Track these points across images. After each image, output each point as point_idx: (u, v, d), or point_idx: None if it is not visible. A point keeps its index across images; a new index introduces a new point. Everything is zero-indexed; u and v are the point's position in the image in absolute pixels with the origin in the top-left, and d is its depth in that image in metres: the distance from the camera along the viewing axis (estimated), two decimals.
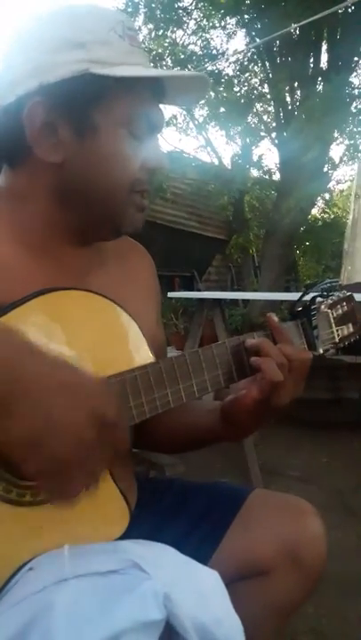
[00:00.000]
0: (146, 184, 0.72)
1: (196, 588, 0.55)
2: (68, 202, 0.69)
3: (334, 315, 0.81)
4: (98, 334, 0.65)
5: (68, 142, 0.66)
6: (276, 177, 7.82)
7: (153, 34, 7.49)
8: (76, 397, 0.50)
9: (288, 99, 6.76)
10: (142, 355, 0.69)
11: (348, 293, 0.85)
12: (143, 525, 0.69)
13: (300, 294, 0.85)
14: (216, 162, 8.23)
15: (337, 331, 0.81)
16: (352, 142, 7.52)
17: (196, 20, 7.81)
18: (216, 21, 7.71)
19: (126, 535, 0.65)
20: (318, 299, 0.82)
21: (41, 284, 0.63)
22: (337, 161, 7.52)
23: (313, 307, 0.80)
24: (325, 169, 6.92)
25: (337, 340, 0.83)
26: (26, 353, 0.49)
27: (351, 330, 0.84)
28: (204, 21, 7.80)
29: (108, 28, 0.65)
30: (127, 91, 0.66)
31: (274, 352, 0.71)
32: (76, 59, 0.63)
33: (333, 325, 0.81)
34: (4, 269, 0.66)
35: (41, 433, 0.48)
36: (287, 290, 8.07)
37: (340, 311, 0.82)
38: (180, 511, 0.83)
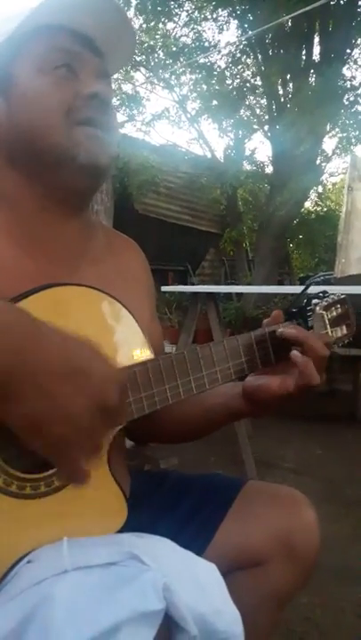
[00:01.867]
0: (84, 111, 0.69)
1: (194, 579, 0.56)
2: (21, 162, 0.70)
3: (329, 316, 0.83)
4: (96, 329, 0.66)
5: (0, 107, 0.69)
6: (269, 170, 7.82)
7: (145, 26, 7.44)
8: (80, 384, 0.51)
9: (280, 91, 6.76)
10: (141, 351, 0.69)
11: (343, 296, 0.87)
12: (139, 518, 0.69)
13: (293, 287, 0.86)
14: (209, 155, 8.21)
15: (332, 332, 0.83)
16: (345, 135, 7.54)
17: (187, 11, 7.78)
18: (208, 13, 7.68)
19: (122, 527, 0.65)
20: (314, 300, 0.83)
21: (36, 280, 0.63)
22: (330, 153, 7.55)
23: (309, 308, 0.82)
24: (318, 162, 6.94)
25: (332, 340, 0.85)
26: (33, 335, 0.50)
27: (345, 331, 0.86)
28: (196, 13, 7.76)
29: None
30: (32, 36, 0.69)
31: (319, 345, 0.73)
32: None
33: (328, 327, 0.83)
34: (4, 268, 0.67)
35: (44, 417, 0.49)
36: (281, 283, 8.09)
37: (334, 313, 0.84)
38: (174, 503, 0.83)
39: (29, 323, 0.51)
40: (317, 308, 0.82)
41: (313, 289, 0.89)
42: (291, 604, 0.85)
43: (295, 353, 0.73)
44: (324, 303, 0.83)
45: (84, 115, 0.68)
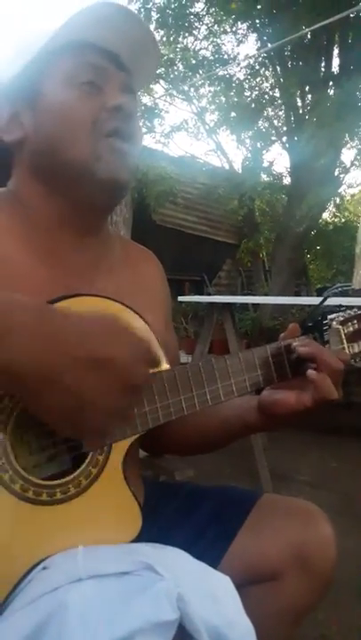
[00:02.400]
0: (109, 123, 0.70)
1: (208, 591, 0.56)
2: (44, 174, 0.72)
3: (345, 331, 0.82)
4: None
5: (26, 119, 0.72)
6: (287, 181, 7.81)
7: (165, 39, 7.52)
8: (103, 373, 0.53)
9: (299, 103, 6.76)
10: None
11: (360, 312, 0.86)
12: (153, 528, 0.69)
13: (310, 298, 0.85)
14: (227, 166, 8.23)
15: (348, 347, 0.82)
16: None
17: (207, 25, 7.83)
18: (227, 26, 7.73)
19: (136, 538, 0.65)
20: (330, 315, 0.83)
21: (53, 290, 0.64)
22: (348, 165, 7.50)
23: (325, 322, 0.82)
24: (336, 173, 6.91)
25: (348, 357, 0.84)
26: (52, 333, 0.51)
27: None
28: (216, 27, 7.82)
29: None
30: (59, 53, 0.71)
31: (333, 360, 0.73)
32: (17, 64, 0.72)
33: (345, 342, 0.82)
34: (17, 275, 0.68)
35: (73, 410, 0.52)
36: (298, 294, 8.05)
37: (351, 328, 0.83)
38: (189, 515, 0.83)
39: (47, 319, 0.52)
40: (334, 323, 0.82)
41: (330, 300, 0.88)
42: (307, 619, 0.84)
43: (311, 372, 0.72)
44: (341, 318, 0.83)
45: (109, 126, 0.70)
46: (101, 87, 0.72)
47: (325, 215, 9.24)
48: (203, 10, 7.56)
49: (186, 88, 8.03)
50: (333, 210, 10.21)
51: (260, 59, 7.32)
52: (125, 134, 0.71)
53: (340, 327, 0.82)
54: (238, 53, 8.16)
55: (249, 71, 7.73)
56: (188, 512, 0.84)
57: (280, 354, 0.76)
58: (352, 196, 11.21)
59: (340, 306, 0.85)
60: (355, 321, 0.84)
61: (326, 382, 0.71)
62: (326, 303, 0.87)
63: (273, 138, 8.00)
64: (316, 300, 2.89)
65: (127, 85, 0.75)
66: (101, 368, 0.52)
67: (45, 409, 0.52)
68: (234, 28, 7.69)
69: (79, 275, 0.73)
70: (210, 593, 0.55)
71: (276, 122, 8.23)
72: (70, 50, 0.72)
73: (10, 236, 0.70)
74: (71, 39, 0.71)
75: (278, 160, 16.27)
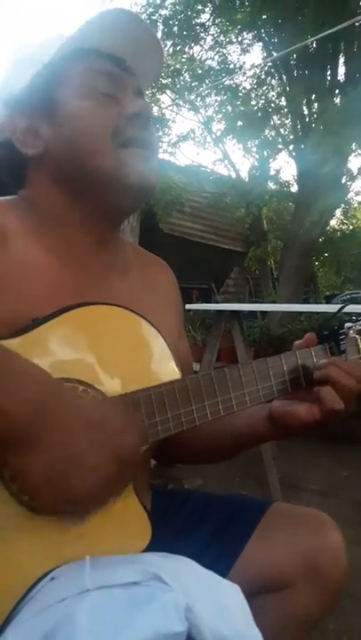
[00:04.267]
0: (129, 131, 0.71)
1: (217, 600, 0.55)
2: (67, 183, 0.72)
3: None
4: (126, 349, 0.67)
5: (44, 130, 0.71)
6: (294, 189, 7.81)
7: (171, 50, 7.59)
8: (99, 438, 0.51)
9: (305, 111, 6.77)
10: (169, 370, 0.70)
11: None
12: (162, 537, 0.69)
13: (318, 305, 0.85)
14: (233, 175, 8.26)
15: None
16: None
17: (213, 35, 7.90)
18: (233, 36, 7.79)
19: (146, 547, 0.65)
20: (347, 324, 0.82)
21: (71, 292, 0.64)
22: (355, 172, 7.49)
23: (341, 331, 0.81)
24: (343, 180, 6.90)
25: None
26: (53, 389, 0.51)
27: None
28: (222, 37, 7.89)
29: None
30: (72, 62, 0.71)
31: (350, 383, 0.72)
32: (29, 72, 0.71)
33: None
34: (36, 278, 0.68)
35: (61, 470, 0.49)
36: (306, 301, 8.01)
37: None
38: (198, 523, 0.82)
39: (48, 378, 0.52)
40: (351, 332, 0.81)
41: (347, 308, 0.87)
42: (317, 630, 0.83)
43: (318, 388, 0.72)
44: (358, 327, 0.82)
45: (129, 134, 0.71)
46: (117, 95, 0.73)
47: (333, 222, 9.22)
48: (208, 20, 7.63)
49: (192, 98, 8.09)
50: (341, 217, 10.20)
51: (266, 68, 7.37)
52: (146, 139, 0.72)
53: (358, 336, 0.81)
54: (244, 63, 8.22)
55: (255, 80, 7.78)
56: (197, 521, 0.83)
57: (295, 369, 0.75)
58: (360, 203, 11.18)
59: (358, 314, 0.84)
60: None
61: (331, 394, 0.71)
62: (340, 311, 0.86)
63: (280, 146, 8.02)
64: (324, 308, 2.88)
65: (139, 89, 0.76)
66: (94, 429, 0.52)
67: (32, 463, 0.49)
68: (240, 38, 7.76)
69: (95, 276, 0.74)
70: (219, 603, 0.55)
71: (282, 130, 8.26)
72: (82, 58, 0.72)
73: (25, 239, 0.71)
74: (81, 47, 0.71)
75: (285, 168, 16.32)
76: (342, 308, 0.85)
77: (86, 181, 0.71)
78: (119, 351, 0.66)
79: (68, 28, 0.70)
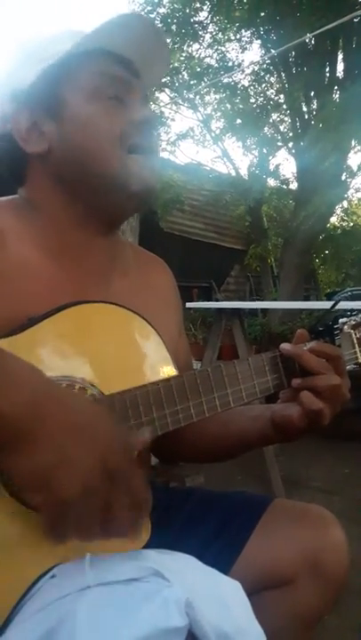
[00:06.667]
0: (136, 138, 0.71)
1: (218, 597, 0.55)
2: (70, 185, 0.72)
3: (358, 335, 0.81)
4: (123, 347, 0.67)
5: (49, 129, 0.70)
6: (294, 186, 7.81)
7: (169, 48, 7.58)
8: (90, 441, 0.51)
9: (304, 108, 6.77)
10: (165, 368, 0.70)
11: None
12: (164, 535, 0.69)
13: (319, 303, 0.85)
14: (233, 173, 8.26)
15: (360, 351, 0.81)
16: None
17: (211, 33, 7.89)
18: (231, 34, 7.78)
19: (147, 544, 0.65)
20: (341, 319, 0.82)
21: (69, 291, 0.64)
22: (355, 169, 7.49)
23: (336, 326, 0.81)
24: (343, 177, 6.89)
25: (360, 360, 0.83)
26: (48, 393, 0.50)
27: None
28: (220, 34, 7.87)
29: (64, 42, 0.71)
30: (82, 62, 0.70)
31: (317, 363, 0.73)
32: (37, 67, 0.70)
33: (357, 346, 0.81)
34: (34, 277, 0.69)
35: (52, 470, 0.49)
36: (307, 299, 8.02)
37: None
38: (200, 520, 0.83)
39: (43, 379, 0.51)
40: (345, 327, 0.81)
41: (342, 304, 0.87)
42: (319, 626, 0.83)
43: (294, 380, 0.73)
44: (353, 322, 0.82)
45: (135, 141, 0.71)
46: (124, 99, 0.72)
47: (333, 219, 9.22)
48: (207, 18, 7.62)
49: (191, 96, 8.08)
50: (341, 214, 10.20)
51: (265, 65, 7.37)
52: (151, 146, 0.73)
53: (352, 331, 0.81)
54: (243, 60, 8.23)
55: (254, 78, 7.78)
56: (198, 518, 0.83)
57: (289, 359, 0.75)
58: (360, 199, 11.17)
59: (352, 310, 0.85)
60: None
61: (307, 396, 0.71)
62: (337, 307, 0.86)
63: (279, 143, 8.03)
64: (325, 305, 2.88)
65: (144, 94, 0.77)
66: (85, 431, 0.51)
67: (23, 464, 0.48)
68: (238, 36, 7.74)
69: (94, 277, 0.74)
70: (219, 599, 0.55)
71: (281, 127, 8.27)
72: (92, 59, 0.71)
73: (24, 239, 0.71)
74: (92, 48, 0.71)
75: (285, 165, 16.29)
76: (335, 304, 0.85)
77: (89, 184, 0.71)
78: (115, 349, 0.66)
79: (77, 24, 0.69)
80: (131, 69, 0.74)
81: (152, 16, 7.05)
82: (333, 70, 6.44)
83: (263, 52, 7.34)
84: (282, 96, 7.53)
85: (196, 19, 7.56)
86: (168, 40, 7.35)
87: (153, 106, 7.86)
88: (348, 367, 0.81)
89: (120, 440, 0.54)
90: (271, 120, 8.03)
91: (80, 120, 0.70)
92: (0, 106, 0.73)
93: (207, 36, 7.89)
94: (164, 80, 7.89)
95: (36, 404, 0.48)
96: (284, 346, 0.74)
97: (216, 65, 7.93)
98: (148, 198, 0.74)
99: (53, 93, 0.71)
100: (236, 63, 7.93)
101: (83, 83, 0.71)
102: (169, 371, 0.70)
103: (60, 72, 0.70)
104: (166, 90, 8.23)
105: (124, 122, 0.71)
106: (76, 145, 0.70)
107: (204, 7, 7.45)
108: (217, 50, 7.98)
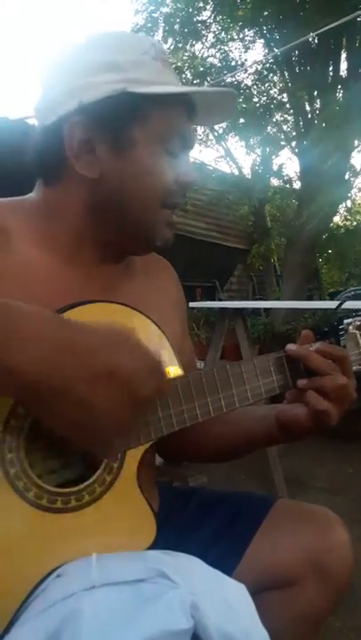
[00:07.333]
0: (177, 198, 0.74)
1: (223, 599, 0.55)
2: (102, 216, 0.72)
3: None
4: None
5: (105, 158, 0.69)
6: (297, 185, 7.80)
7: (172, 47, 7.57)
8: (111, 384, 0.52)
9: (308, 107, 6.76)
10: (171, 368, 0.70)
11: None
12: (167, 535, 0.69)
13: (323, 302, 0.85)
14: (236, 172, 8.25)
15: None
16: None
17: (214, 32, 7.89)
18: (235, 33, 7.77)
19: (151, 545, 0.65)
20: (346, 319, 0.82)
21: (75, 294, 0.65)
22: (358, 168, 7.47)
23: (341, 327, 0.81)
24: (347, 176, 6.88)
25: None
26: (60, 345, 0.51)
27: None
28: (223, 34, 7.87)
29: (142, 51, 0.69)
30: (161, 108, 0.69)
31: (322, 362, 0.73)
32: (113, 79, 0.67)
33: None
34: (41, 279, 0.69)
35: (83, 421, 0.52)
36: (310, 298, 8.01)
37: None
38: (203, 521, 0.83)
39: (60, 329, 0.52)
40: (350, 328, 0.81)
41: (346, 304, 0.87)
42: (323, 627, 0.83)
43: (300, 381, 0.73)
44: (358, 322, 0.82)
45: (175, 200, 0.74)
46: (178, 155, 0.73)
47: (336, 219, 9.20)
48: (210, 17, 7.62)
49: None
50: (345, 213, 10.18)
51: (268, 64, 7.35)
52: (181, 205, 0.76)
53: (357, 332, 0.81)
54: (246, 60, 8.20)
55: (257, 77, 7.76)
56: (202, 518, 0.83)
57: (294, 359, 0.75)
58: None
59: (357, 310, 0.84)
60: None
61: (313, 396, 0.71)
62: (342, 307, 0.86)
63: (282, 143, 8.01)
64: (328, 304, 2.87)
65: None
66: (112, 379, 0.52)
67: (56, 419, 0.53)
68: (241, 35, 7.74)
69: (102, 281, 0.75)
70: (224, 601, 0.55)
71: (284, 127, 8.25)
72: (168, 105, 0.70)
73: (31, 242, 0.71)
74: (174, 92, 0.70)
75: (288, 165, 16.27)
76: (341, 304, 0.85)
77: (121, 223, 0.72)
78: None
79: (156, 37, 0.69)
80: (192, 116, 0.75)
81: (155, 16, 7.05)
82: (337, 69, 6.42)
83: (266, 51, 7.34)
84: (285, 95, 7.52)
85: (199, 18, 7.57)
86: (170, 40, 7.40)
87: None
88: (354, 368, 0.81)
89: (142, 366, 0.55)
90: (274, 119, 8.01)
91: (144, 167, 0.70)
92: (55, 97, 0.69)
93: (210, 36, 7.90)
94: None
95: (52, 361, 0.50)
96: (291, 346, 0.74)
97: (219, 64, 7.92)
98: (159, 249, 0.78)
99: (123, 124, 0.68)
100: (239, 62, 7.92)
101: (155, 127, 0.69)
102: (174, 371, 0.70)
103: (133, 102, 0.67)
104: None
105: (173, 179, 0.72)
106: (129, 188, 0.70)
107: (207, 6, 7.45)
108: (220, 49, 7.98)
